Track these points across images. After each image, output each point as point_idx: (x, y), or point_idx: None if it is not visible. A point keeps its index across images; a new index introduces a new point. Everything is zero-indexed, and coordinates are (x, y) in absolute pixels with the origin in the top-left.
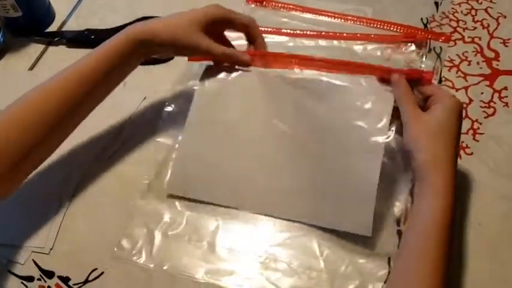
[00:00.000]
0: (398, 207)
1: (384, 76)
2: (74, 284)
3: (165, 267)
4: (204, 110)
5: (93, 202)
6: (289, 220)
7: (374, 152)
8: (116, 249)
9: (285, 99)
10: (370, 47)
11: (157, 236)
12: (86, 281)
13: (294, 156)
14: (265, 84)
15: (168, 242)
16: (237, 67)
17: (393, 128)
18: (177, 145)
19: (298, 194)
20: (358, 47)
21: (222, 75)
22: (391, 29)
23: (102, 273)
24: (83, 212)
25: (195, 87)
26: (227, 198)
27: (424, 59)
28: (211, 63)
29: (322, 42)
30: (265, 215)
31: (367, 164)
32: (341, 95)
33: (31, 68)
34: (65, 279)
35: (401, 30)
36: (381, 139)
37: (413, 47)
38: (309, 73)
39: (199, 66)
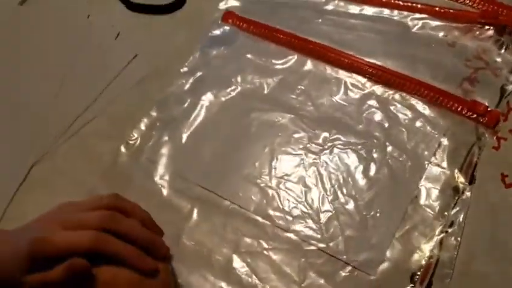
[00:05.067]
0: (417, 259)
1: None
2: None
3: None
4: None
5: (53, 180)
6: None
7: None
8: None
9: None
10: (431, 24)
11: None
12: None
13: None
14: None
15: None
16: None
17: None
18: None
19: None
20: (414, 22)
21: None
22: (466, 1)
23: None
24: (39, 191)
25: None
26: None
27: (502, 51)
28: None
29: (368, 10)
30: None
31: None
32: None
33: (21, 3)
34: None
35: (480, 6)
36: None
37: (491, 32)
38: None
39: (223, 30)
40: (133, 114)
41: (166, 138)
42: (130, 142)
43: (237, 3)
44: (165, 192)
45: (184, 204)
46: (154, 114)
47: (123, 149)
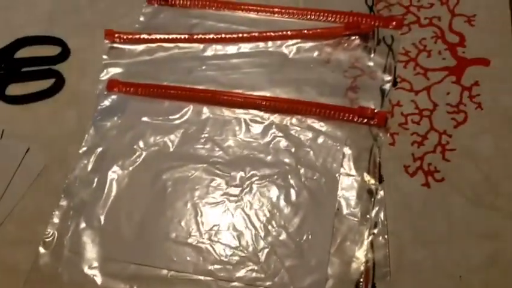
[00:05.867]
0: (356, 267)
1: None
2: None
3: None
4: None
5: None
6: None
7: None
8: None
9: None
10: (304, 46)
11: None
12: None
13: None
14: None
15: None
16: None
17: None
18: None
19: None
20: (289, 49)
21: None
22: (329, 19)
23: None
24: None
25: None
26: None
27: (372, 55)
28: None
29: (244, 47)
30: None
31: None
32: None
33: None
34: None
35: (342, 20)
36: None
37: (357, 41)
38: None
39: (111, 100)
40: (42, 210)
41: (83, 225)
42: (48, 240)
43: (118, 70)
44: (98, 280)
45: (122, 287)
46: (64, 203)
47: (41, 249)
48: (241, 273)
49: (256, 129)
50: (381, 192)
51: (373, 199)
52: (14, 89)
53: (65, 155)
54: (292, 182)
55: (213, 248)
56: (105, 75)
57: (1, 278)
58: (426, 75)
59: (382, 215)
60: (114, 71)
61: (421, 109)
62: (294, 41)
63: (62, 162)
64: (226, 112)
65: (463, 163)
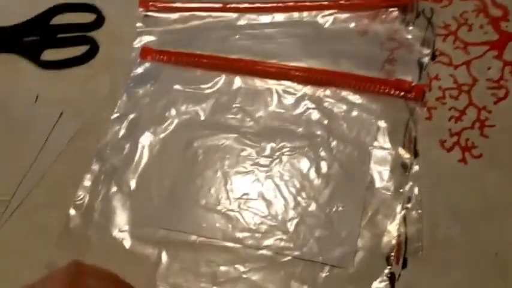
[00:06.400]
0: (387, 241)
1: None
2: None
3: None
4: None
5: (5, 262)
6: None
7: None
8: None
9: None
10: (341, 17)
11: None
12: None
13: None
14: None
15: None
16: None
17: None
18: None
19: None
20: (324, 19)
21: None
22: None
23: None
24: None
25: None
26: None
27: (410, 28)
28: None
29: (278, 17)
30: None
31: None
32: None
33: None
34: None
35: None
36: None
37: (396, 13)
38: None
39: (144, 67)
40: (74, 174)
41: (114, 189)
42: (78, 202)
43: (152, 38)
44: (127, 244)
45: (150, 251)
46: (96, 168)
47: (72, 211)
48: (269, 241)
49: (289, 100)
50: (416, 167)
51: (407, 173)
52: (49, 55)
53: (98, 120)
54: (323, 154)
55: (242, 216)
56: (138, 43)
57: (33, 239)
58: (466, 50)
59: (416, 190)
60: (147, 39)
61: (460, 84)
62: (330, 11)
63: (94, 128)
64: (259, 82)
65: (503, 140)
